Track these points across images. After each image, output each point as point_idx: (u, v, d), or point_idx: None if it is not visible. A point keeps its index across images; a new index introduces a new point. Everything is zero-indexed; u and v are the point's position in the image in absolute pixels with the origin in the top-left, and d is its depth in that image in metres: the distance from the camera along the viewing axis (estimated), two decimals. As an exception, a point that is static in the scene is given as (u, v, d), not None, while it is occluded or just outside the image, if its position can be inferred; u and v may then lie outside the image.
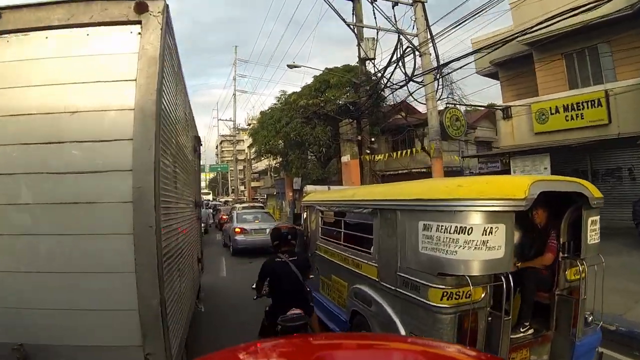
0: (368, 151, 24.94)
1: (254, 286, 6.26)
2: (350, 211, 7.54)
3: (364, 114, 24.60)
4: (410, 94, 20.38)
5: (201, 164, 12.05)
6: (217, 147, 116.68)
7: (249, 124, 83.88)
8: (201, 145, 10.66)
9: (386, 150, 28.42)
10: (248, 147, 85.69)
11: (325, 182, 25.38)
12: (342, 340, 3.50)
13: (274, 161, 35.10)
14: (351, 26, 21.10)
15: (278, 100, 30.47)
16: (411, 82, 18.94)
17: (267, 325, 5.94)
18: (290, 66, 24.19)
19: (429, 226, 4.56)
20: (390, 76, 19.51)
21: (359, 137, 24.73)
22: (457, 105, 20.50)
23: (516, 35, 15.00)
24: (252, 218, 21.04)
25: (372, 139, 25.58)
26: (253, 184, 71.20)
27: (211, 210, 27.65)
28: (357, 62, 24.71)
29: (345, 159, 25.13)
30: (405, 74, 18.65)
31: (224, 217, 29.88)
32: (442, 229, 4.38)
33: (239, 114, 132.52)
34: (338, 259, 7.25)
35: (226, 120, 59.36)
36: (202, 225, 17.58)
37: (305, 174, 28.19)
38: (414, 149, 24.21)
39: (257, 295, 6.26)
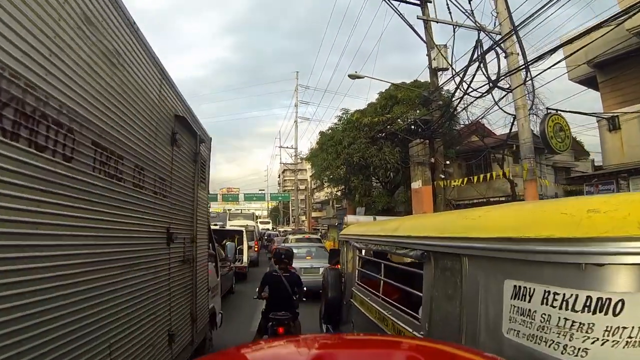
0: (442, 176, 21.47)
1: (257, 289, 8.42)
2: (391, 252, 5.54)
3: (436, 133, 21.22)
4: (496, 103, 16.66)
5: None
6: (279, 176, 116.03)
7: (308, 159, 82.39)
8: (204, 142, 7.54)
9: (459, 176, 24.75)
10: (310, 176, 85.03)
11: (391, 213, 22.74)
12: (342, 340, 3.29)
13: (336, 189, 31.71)
14: (422, 30, 17.97)
15: (339, 120, 27.31)
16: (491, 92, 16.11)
17: (262, 322, 7.85)
18: (352, 76, 21.30)
19: (525, 291, 2.58)
20: (471, 81, 16.01)
21: (432, 160, 21.30)
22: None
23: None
24: (304, 253, 18.43)
25: (447, 162, 22.11)
26: (314, 214, 68.66)
27: (243, 245, 24.23)
28: (428, 76, 21.50)
29: (416, 185, 21.72)
30: (488, 77, 15.55)
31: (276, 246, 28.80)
32: (555, 299, 2.34)
33: (302, 143, 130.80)
34: (375, 316, 5.66)
35: (287, 147, 56.36)
36: (226, 266, 15.33)
37: (369, 203, 24.80)
38: (493, 174, 20.34)
39: (257, 296, 8.27)
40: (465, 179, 21.40)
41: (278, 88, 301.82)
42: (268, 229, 61.96)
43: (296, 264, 15.50)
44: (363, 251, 7.23)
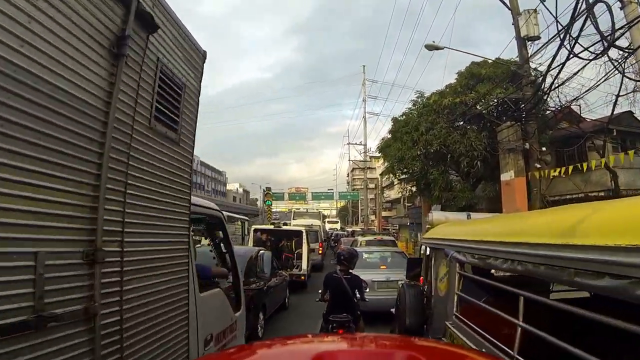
0: (538, 165, 17.84)
1: (320, 292, 8.45)
2: (553, 274, 2.45)
3: (529, 114, 17.63)
4: (616, 68, 12.85)
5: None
6: (348, 174, 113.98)
7: (380, 151, 79.67)
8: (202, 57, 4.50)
9: (553, 166, 20.74)
10: (381, 173, 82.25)
11: (472, 211, 18.69)
12: (341, 340, 3.20)
13: (410, 184, 27.76)
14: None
15: (413, 105, 23.80)
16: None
17: (323, 324, 7.86)
18: (429, 47, 18.03)
19: None
20: (577, 37, 12.22)
21: (526, 146, 17.67)
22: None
23: None
24: (377, 259, 14.67)
25: (543, 148, 18.40)
26: (384, 213, 65.41)
27: (302, 248, 20.10)
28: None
29: (507, 176, 18.18)
30: (601, 34, 11.96)
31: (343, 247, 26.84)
32: None
33: (371, 141, 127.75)
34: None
35: (356, 144, 53.59)
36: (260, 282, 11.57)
37: (449, 200, 21.24)
38: (592, 163, 16.30)
39: (320, 299, 8.39)
40: (562, 169, 17.59)
41: (344, 87, 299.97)
42: (336, 229, 59.81)
43: (367, 274, 11.99)
44: (469, 265, 4.30)
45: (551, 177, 17.85)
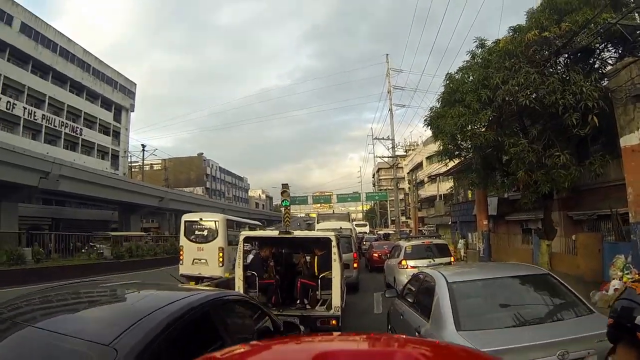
0: None
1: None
2: None
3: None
4: None
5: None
6: (373, 175, 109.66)
7: (407, 150, 74.89)
8: None
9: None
10: (407, 173, 77.41)
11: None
12: (342, 340, 3.24)
13: (473, 167, 20.21)
14: None
15: (472, 58, 17.25)
16: None
17: None
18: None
19: None
20: None
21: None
22: None
23: None
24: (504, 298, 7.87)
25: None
26: (419, 213, 59.79)
27: (333, 268, 12.26)
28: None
29: (634, 138, 12.19)
30: None
31: (377, 254, 25.43)
32: None
33: (397, 137, 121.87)
34: None
35: (383, 139, 47.95)
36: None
37: (549, 181, 14.72)
38: None
39: None
40: None
41: (365, 90, 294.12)
42: (365, 232, 54.26)
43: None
44: None
45: None
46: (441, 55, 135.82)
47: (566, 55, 14.08)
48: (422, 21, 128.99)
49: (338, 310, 9.72)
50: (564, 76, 13.18)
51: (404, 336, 3.91)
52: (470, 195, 35.03)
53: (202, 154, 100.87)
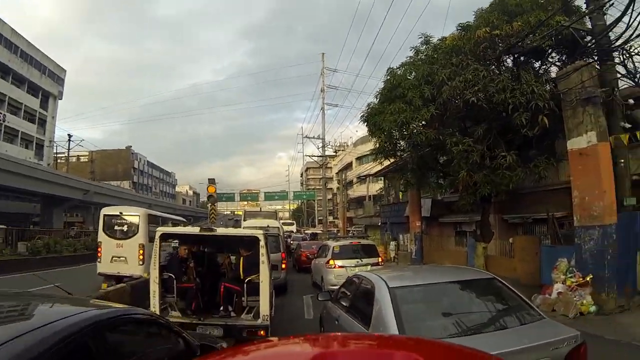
0: (626, 125, 12.38)
1: None
2: None
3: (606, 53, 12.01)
4: None
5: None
6: (301, 175, 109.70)
7: (336, 150, 75.09)
8: None
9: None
10: (336, 173, 77.74)
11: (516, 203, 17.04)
12: (342, 340, 3.30)
13: (406, 177, 19.66)
14: None
15: (416, 54, 16.83)
16: None
17: None
18: None
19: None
20: None
21: (608, 96, 11.90)
22: None
23: None
24: None
25: (630, 100, 12.63)
26: (347, 213, 59.89)
27: (262, 270, 11.24)
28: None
29: (581, 142, 12.10)
30: None
31: (305, 254, 26.08)
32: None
33: (327, 138, 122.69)
34: None
35: (313, 138, 47.66)
36: None
37: (489, 183, 14.53)
38: None
39: None
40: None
41: (297, 89, 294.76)
42: (292, 231, 54.45)
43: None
44: None
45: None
46: (377, 59, 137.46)
47: (517, 55, 13.91)
48: (360, 25, 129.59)
49: (267, 319, 8.71)
50: (515, 75, 12.99)
51: (404, 336, 3.85)
52: (401, 196, 35.07)
53: (131, 146, 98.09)
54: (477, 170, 14.09)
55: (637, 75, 12.63)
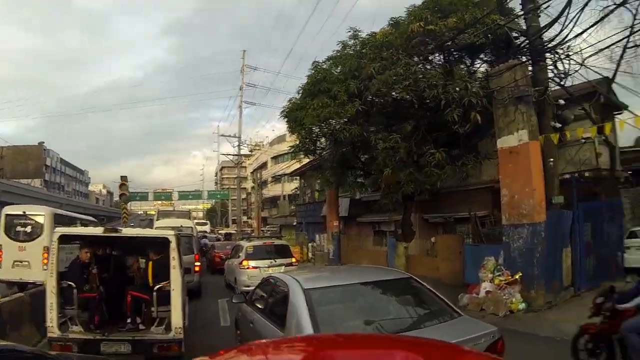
0: (556, 124, 12.63)
1: None
2: None
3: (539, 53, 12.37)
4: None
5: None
6: (216, 174, 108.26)
7: (252, 150, 74.39)
8: None
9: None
10: (251, 172, 77.05)
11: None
12: (342, 340, 3.17)
13: (327, 176, 19.19)
14: None
15: (343, 49, 16.37)
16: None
17: None
18: None
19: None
20: None
21: (540, 96, 12.07)
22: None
23: None
24: None
25: (561, 101, 12.90)
26: (262, 213, 59.39)
27: (172, 275, 10.35)
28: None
29: (511, 140, 12.14)
30: None
31: (219, 255, 25.42)
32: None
33: (243, 137, 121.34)
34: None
35: (230, 136, 46.92)
36: None
37: (400, 182, 14.65)
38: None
39: None
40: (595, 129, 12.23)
41: (216, 87, 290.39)
42: (206, 231, 53.58)
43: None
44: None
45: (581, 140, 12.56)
46: (299, 60, 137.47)
47: (451, 51, 13.88)
48: (284, 24, 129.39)
49: (180, 333, 7.70)
50: (448, 71, 12.89)
51: (404, 336, 3.75)
52: (317, 196, 34.90)
53: (43, 143, 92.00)
54: (402, 168, 13.91)
55: (565, 78, 12.94)
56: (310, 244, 31.74)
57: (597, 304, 6.98)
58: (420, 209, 20.46)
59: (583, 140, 14.91)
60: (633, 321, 6.28)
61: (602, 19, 11.36)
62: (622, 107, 15.88)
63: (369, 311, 5.56)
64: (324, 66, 16.20)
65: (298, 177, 41.52)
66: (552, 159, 12.37)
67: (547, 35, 12.24)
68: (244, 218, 70.89)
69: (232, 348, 2.62)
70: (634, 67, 13.85)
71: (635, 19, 12.36)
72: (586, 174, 14.98)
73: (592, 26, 11.29)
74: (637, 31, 12.54)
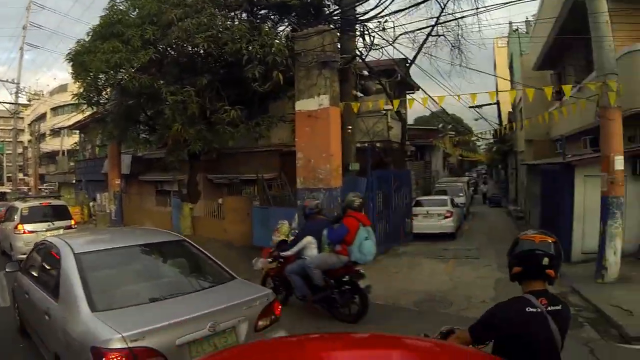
0: (358, 93, 13.30)
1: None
2: None
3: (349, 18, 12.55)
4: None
5: None
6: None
7: (30, 99, 67.94)
8: None
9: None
10: (28, 124, 70.29)
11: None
12: (342, 340, 3.20)
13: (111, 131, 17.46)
14: None
15: None
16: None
17: None
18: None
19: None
20: None
21: (346, 64, 12.32)
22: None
23: None
24: None
25: (364, 72, 13.24)
26: (40, 170, 54.62)
27: None
28: None
29: (311, 103, 12.08)
30: None
31: None
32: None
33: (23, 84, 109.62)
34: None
35: (6, 81, 41.29)
36: None
37: (197, 138, 13.66)
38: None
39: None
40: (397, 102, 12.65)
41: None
42: None
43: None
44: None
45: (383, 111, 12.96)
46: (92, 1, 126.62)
47: (260, 7, 13.38)
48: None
49: None
50: (255, 26, 12.35)
51: (404, 336, 3.46)
52: (98, 152, 32.77)
53: None
54: (192, 125, 13.27)
55: (370, 51, 13.27)
56: (91, 204, 29.66)
57: (272, 253, 9.14)
58: (205, 169, 20.00)
59: (380, 114, 15.69)
60: (292, 265, 8.27)
61: (413, 5, 11.89)
62: (414, 87, 16.97)
63: (144, 274, 5.66)
64: (122, 7, 14.65)
65: (78, 131, 38.52)
66: (350, 127, 12.64)
67: (362, 9, 12.44)
68: (20, 175, 65.00)
69: (232, 348, 2.73)
70: (432, 53, 14.99)
71: (442, 12, 13.43)
72: (378, 145, 15.80)
73: (403, 10, 11.78)
74: (441, 23, 13.45)
